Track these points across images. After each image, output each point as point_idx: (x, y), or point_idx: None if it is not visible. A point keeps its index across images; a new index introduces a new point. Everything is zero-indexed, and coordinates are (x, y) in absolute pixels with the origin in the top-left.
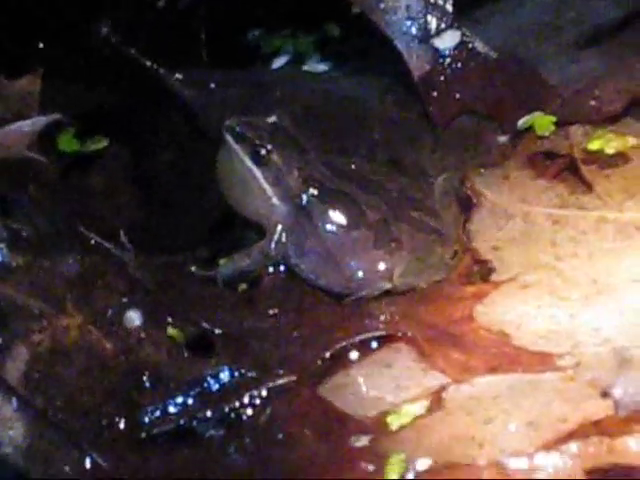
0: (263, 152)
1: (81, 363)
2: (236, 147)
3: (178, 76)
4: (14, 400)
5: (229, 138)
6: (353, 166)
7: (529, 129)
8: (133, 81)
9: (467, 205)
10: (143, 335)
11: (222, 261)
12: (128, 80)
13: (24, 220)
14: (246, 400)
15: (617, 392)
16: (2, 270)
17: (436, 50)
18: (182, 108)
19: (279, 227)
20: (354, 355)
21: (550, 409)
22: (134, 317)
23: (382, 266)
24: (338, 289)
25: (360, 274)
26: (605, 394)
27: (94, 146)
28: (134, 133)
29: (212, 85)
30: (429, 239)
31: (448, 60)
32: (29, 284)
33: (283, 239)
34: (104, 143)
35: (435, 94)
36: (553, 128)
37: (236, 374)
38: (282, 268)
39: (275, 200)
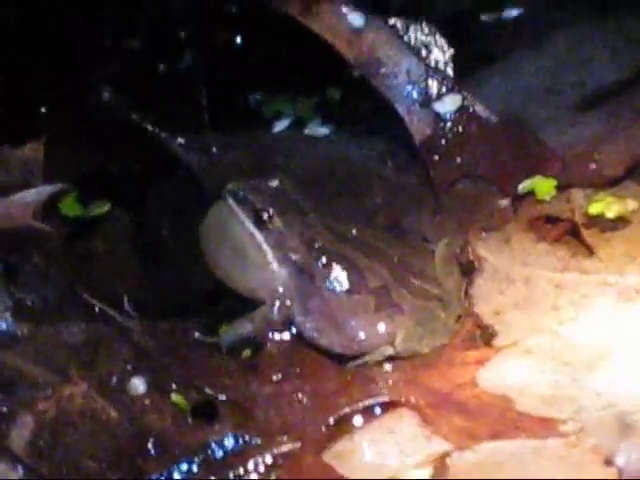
0: (265, 216)
1: (86, 430)
2: (238, 211)
3: (180, 140)
4: (19, 468)
5: (231, 202)
6: (354, 231)
7: (530, 193)
8: (135, 145)
9: (469, 269)
10: (147, 402)
11: (225, 327)
12: (130, 144)
13: (28, 288)
14: (250, 467)
15: (620, 459)
16: (6, 338)
17: (437, 114)
18: (184, 172)
19: (280, 292)
20: (358, 421)
21: (553, 475)
22: (138, 384)
23: (383, 328)
24: (339, 349)
25: (362, 335)
26: (609, 461)
27: (97, 211)
28: (136, 197)
29: (214, 149)
30: (430, 305)
31: (449, 124)
32: (33, 352)
33: (286, 303)
34: (106, 208)
35: (436, 158)
36: (554, 192)
37: (240, 440)
38: (285, 334)
39: (275, 266)
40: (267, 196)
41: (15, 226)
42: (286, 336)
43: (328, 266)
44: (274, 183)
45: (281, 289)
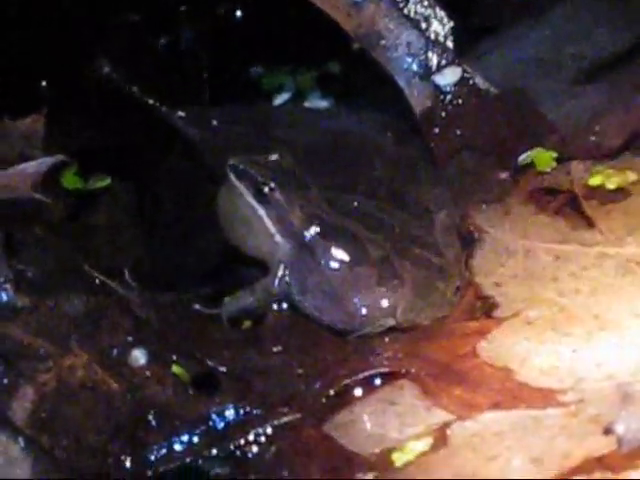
0: (266, 190)
1: (87, 402)
2: (239, 185)
3: (180, 114)
4: (20, 440)
5: (232, 176)
6: (355, 203)
7: (530, 165)
8: (135, 119)
9: (469, 241)
10: (148, 373)
11: (226, 299)
12: (131, 118)
13: (29, 260)
14: (251, 438)
15: (620, 428)
16: (7, 310)
17: (437, 86)
18: (185, 146)
19: (282, 264)
20: (358, 392)
21: (554, 445)
22: (139, 356)
23: (385, 303)
24: (341, 325)
25: (363, 310)
26: (608, 430)
27: (97, 184)
28: (137, 171)
29: (214, 122)
30: (431, 275)
31: (449, 96)
32: (34, 324)
33: (287, 276)
34: (107, 181)
35: (436, 130)
36: (554, 164)
37: (241, 412)
38: (286, 305)
39: (278, 238)
40: (268, 170)
41: (16, 197)
42: (287, 308)
43: (329, 239)
44: (275, 157)
45: (283, 264)
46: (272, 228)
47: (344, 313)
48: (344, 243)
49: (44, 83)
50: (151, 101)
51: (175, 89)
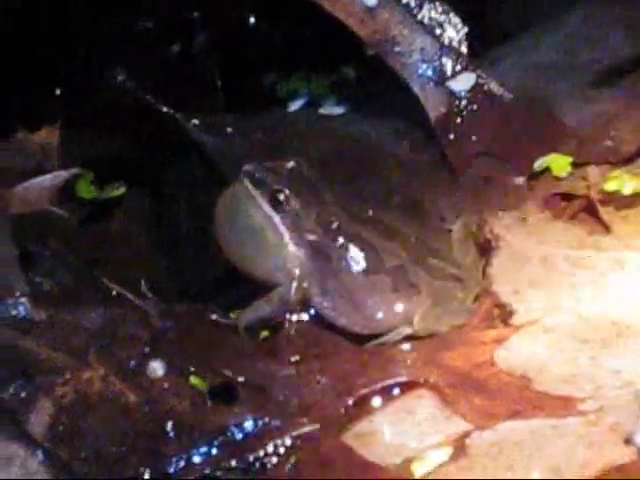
0: (281, 197)
1: (105, 415)
2: (255, 192)
3: (195, 122)
4: (39, 453)
5: (247, 183)
6: (370, 211)
7: (546, 170)
8: (150, 127)
9: (486, 248)
10: (166, 385)
11: (243, 309)
12: (145, 126)
13: (45, 273)
14: (270, 449)
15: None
16: (24, 324)
17: (452, 92)
18: (199, 153)
19: (297, 273)
20: (377, 402)
21: (573, 454)
22: (157, 367)
23: (400, 309)
24: (358, 329)
25: (380, 314)
26: (628, 441)
27: (112, 193)
28: (152, 179)
29: (229, 130)
30: (448, 285)
31: (464, 102)
32: (52, 337)
33: (303, 284)
34: (122, 190)
35: (451, 137)
36: (570, 169)
37: (260, 423)
38: (303, 315)
39: (292, 247)
40: (283, 177)
41: (32, 211)
42: (304, 317)
43: (345, 247)
44: (290, 164)
45: (298, 270)
46: (287, 236)
47: (361, 316)
48: (359, 251)
49: (58, 93)
50: (165, 109)
51: (189, 97)
